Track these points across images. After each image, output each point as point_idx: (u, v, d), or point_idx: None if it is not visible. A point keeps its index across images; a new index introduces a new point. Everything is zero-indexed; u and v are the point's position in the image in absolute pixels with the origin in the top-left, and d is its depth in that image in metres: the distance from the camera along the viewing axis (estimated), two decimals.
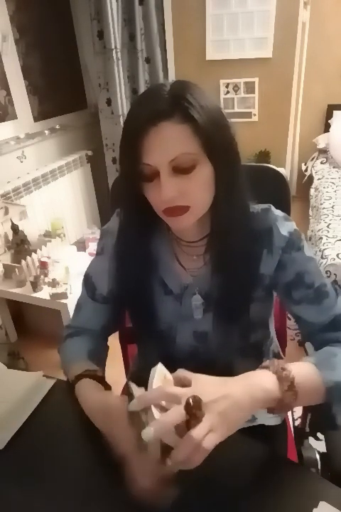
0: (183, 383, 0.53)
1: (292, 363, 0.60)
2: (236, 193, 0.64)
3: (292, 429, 0.93)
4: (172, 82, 0.60)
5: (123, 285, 0.75)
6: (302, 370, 0.59)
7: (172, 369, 0.82)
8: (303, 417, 1.06)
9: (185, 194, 0.61)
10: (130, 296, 0.76)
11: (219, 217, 0.65)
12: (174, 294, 0.75)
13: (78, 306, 0.85)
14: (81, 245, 2.39)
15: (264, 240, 0.68)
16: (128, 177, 0.64)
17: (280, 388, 0.55)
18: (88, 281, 0.82)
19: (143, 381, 0.76)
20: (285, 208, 0.90)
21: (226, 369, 0.78)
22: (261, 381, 0.55)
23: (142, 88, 2.75)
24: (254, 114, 2.88)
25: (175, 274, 0.74)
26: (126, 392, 0.54)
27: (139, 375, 0.94)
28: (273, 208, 0.72)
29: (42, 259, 1.96)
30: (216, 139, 0.59)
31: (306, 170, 3.25)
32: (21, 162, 2.25)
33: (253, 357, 0.81)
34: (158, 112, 0.57)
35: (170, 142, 0.58)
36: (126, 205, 0.70)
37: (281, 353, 0.93)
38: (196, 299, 0.73)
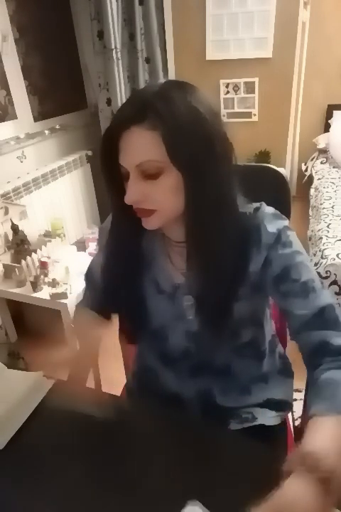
0: None
1: (313, 437, 0.54)
2: (208, 201, 0.62)
3: (292, 429, 0.93)
4: (160, 84, 0.61)
5: (116, 282, 0.75)
6: (327, 438, 0.53)
7: (167, 368, 0.82)
8: (303, 417, 1.06)
9: (150, 198, 0.62)
10: (123, 293, 0.76)
11: (190, 223, 0.65)
12: (166, 293, 0.75)
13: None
14: (81, 245, 2.39)
15: (253, 239, 0.68)
16: (106, 177, 0.66)
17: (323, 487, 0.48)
18: (88, 274, 0.88)
19: (142, 381, 0.76)
20: (286, 208, 0.90)
21: (224, 369, 0.78)
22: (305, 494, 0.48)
23: None
24: (254, 114, 2.88)
25: (167, 273, 0.74)
26: None
27: (139, 375, 0.95)
28: (264, 205, 0.71)
29: (42, 259, 1.96)
30: (183, 149, 0.58)
31: (306, 170, 3.25)
32: (21, 162, 2.25)
33: (250, 357, 0.80)
34: (130, 116, 0.58)
35: (136, 147, 0.59)
36: (112, 204, 0.71)
37: (287, 355, 0.92)
38: (188, 299, 0.73)
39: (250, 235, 0.67)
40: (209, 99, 0.62)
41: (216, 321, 0.70)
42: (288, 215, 0.91)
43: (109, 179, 0.67)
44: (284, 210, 0.91)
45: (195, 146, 0.58)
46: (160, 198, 0.62)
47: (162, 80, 0.62)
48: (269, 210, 0.70)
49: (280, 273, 0.67)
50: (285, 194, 0.89)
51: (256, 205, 0.71)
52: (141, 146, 0.58)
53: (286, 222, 0.70)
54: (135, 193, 0.61)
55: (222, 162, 0.62)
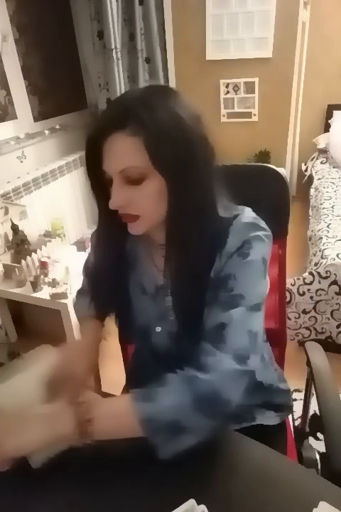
0: None
1: (107, 400, 0.61)
2: (191, 206, 0.62)
3: (292, 429, 0.93)
4: (142, 89, 0.61)
5: (103, 283, 0.77)
6: (111, 407, 0.60)
7: (160, 366, 0.81)
8: (303, 417, 1.06)
9: (134, 204, 0.62)
10: (110, 294, 0.78)
11: (171, 226, 0.65)
12: (150, 294, 0.76)
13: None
14: (81, 245, 2.38)
15: (221, 244, 0.66)
16: (92, 182, 0.68)
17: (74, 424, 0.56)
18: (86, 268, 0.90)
19: (138, 379, 0.75)
20: (285, 208, 0.90)
21: None
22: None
23: None
24: (254, 114, 2.88)
25: (150, 274, 0.75)
26: None
27: (136, 374, 0.95)
28: (245, 212, 0.68)
29: (42, 259, 1.95)
30: (166, 155, 0.58)
31: (306, 170, 3.25)
32: (21, 162, 2.25)
33: None
34: (112, 122, 0.59)
35: (119, 154, 0.59)
36: (98, 208, 0.73)
37: (273, 360, 0.92)
38: (168, 300, 0.73)
39: (220, 240, 0.66)
40: (191, 104, 0.62)
41: (191, 322, 0.70)
42: (286, 215, 0.91)
43: (94, 184, 0.68)
44: (283, 209, 0.91)
45: (177, 152, 0.59)
46: (144, 204, 0.63)
47: (144, 84, 0.63)
48: (247, 218, 0.67)
49: (221, 277, 0.65)
50: (284, 194, 0.89)
51: (237, 211, 0.69)
52: (124, 153, 0.59)
53: (260, 233, 0.66)
54: (118, 198, 0.62)
55: (204, 167, 0.62)
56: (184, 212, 0.63)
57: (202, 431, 0.57)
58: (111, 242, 0.73)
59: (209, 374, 0.57)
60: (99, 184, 0.67)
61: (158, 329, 0.77)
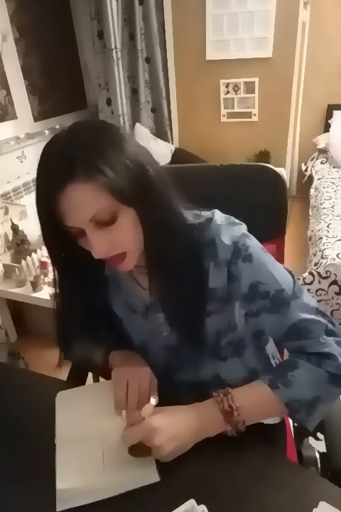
0: None
1: (243, 389, 0.67)
2: (163, 220, 0.63)
3: (292, 428, 0.93)
4: (68, 131, 0.58)
5: (91, 320, 0.75)
6: (251, 395, 0.66)
7: (160, 380, 0.81)
8: None
9: (117, 243, 0.60)
10: (99, 323, 0.76)
11: (150, 247, 0.64)
12: (139, 313, 0.75)
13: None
14: None
15: (209, 253, 0.66)
16: (52, 242, 0.65)
17: (224, 416, 0.63)
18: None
19: None
20: (282, 207, 0.91)
21: (214, 381, 0.77)
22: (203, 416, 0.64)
23: (142, 88, 2.75)
24: (254, 114, 2.88)
25: (136, 294, 0.74)
26: None
27: None
28: (217, 214, 0.69)
29: (42, 259, 1.95)
30: (127, 186, 0.57)
31: (306, 170, 3.25)
32: (21, 162, 2.25)
33: (232, 356, 0.78)
34: (60, 176, 0.55)
35: (82, 203, 0.56)
36: (67, 260, 0.68)
37: (278, 356, 0.92)
38: (160, 317, 0.72)
39: (204, 249, 0.66)
40: (116, 127, 0.61)
41: (190, 335, 0.70)
42: (284, 214, 0.91)
43: (54, 244, 0.65)
44: (281, 209, 0.91)
45: (135, 177, 0.58)
46: (126, 238, 0.61)
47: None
48: (222, 219, 0.68)
49: (248, 292, 0.67)
50: (282, 193, 0.89)
51: (206, 214, 0.69)
52: (87, 200, 0.56)
53: (243, 228, 0.68)
54: (101, 245, 0.59)
55: (160, 180, 0.62)
56: (157, 229, 0.62)
57: (335, 397, 0.71)
58: (91, 281, 0.70)
59: (332, 356, 0.65)
60: (60, 241, 0.64)
61: (153, 345, 0.77)
